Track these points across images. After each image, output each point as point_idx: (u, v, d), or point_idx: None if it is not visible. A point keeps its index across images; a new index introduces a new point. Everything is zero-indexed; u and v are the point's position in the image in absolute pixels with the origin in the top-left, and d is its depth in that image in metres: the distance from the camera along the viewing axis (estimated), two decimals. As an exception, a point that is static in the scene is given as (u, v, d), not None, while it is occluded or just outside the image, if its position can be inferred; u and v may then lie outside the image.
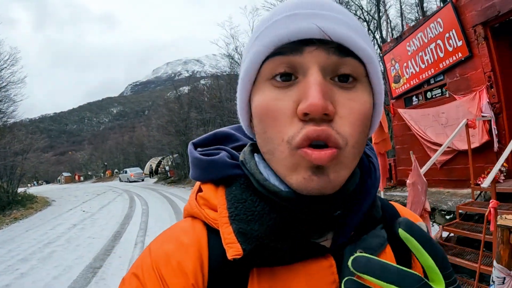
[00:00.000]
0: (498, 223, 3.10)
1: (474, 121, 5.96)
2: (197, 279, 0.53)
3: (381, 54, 10.19)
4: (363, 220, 0.60)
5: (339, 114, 0.49)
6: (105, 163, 67.10)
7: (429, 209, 4.66)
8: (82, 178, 69.27)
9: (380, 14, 19.21)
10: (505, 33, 6.56)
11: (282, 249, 0.52)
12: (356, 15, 20.48)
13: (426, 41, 7.83)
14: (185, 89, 41.48)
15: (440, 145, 6.67)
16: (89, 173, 71.39)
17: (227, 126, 0.76)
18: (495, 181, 4.76)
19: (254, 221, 0.53)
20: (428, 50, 7.83)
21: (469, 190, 6.26)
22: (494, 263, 3.17)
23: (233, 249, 0.51)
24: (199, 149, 0.66)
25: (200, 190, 0.63)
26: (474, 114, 6.52)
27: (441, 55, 7.46)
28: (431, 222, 6.47)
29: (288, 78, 0.50)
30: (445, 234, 5.49)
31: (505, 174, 6.07)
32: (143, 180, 40.87)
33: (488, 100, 6.47)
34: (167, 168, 37.84)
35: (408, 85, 8.61)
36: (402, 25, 20.60)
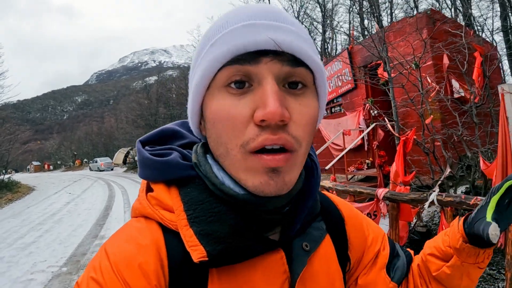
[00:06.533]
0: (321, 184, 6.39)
1: (349, 131, 9.44)
2: (159, 280, 0.54)
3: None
4: (307, 215, 0.65)
5: (292, 119, 0.52)
6: (75, 153, 67.37)
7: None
8: (51, 167, 68.97)
9: (326, 31, 22.46)
10: (376, 74, 10.02)
11: (242, 247, 0.55)
12: (309, 29, 23.65)
13: (332, 73, 11.33)
14: (152, 79, 42.71)
15: (337, 145, 10.21)
16: (58, 162, 71.22)
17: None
18: (334, 166, 8.11)
19: (214, 222, 0.54)
20: (333, 80, 11.34)
21: (348, 175, 9.79)
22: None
23: (197, 252, 0.52)
24: (147, 147, 0.66)
25: (149, 189, 0.64)
26: (354, 126, 9.99)
27: (339, 84, 10.99)
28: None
29: (242, 85, 0.53)
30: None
31: (369, 165, 9.58)
32: (112, 169, 42.14)
33: (363, 117, 9.94)
34: (136, 158, 39.50)
35: (321, 102, 12.05)
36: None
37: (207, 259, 0.51)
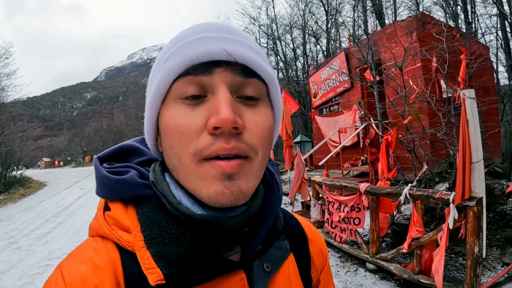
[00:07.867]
0: (311, 179, 6.86)
1: (345, 129, 9.92)
2: None
3: (308, 75, 14.13)
4: (269, 234, 0.64)
5: (247, 128, 0.52)
6: (84, 149, 68.21)
7: (306, 177, 8.36)
8: (61, 163, 69.83)
9: (331, 31, 22.82)
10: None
11: (200, 268, 0.53)
12: (313, 28, 24.01)
13: (330, 73, 11.80)
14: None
15: (335, 142, 10.69)
16: (68, 158, 72.09)
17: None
18: (326, 163, 8.58)
19: (170, 244, 0.53)
20: (331, 79, 11.81)
21: (344, 170, 10.26)
22: (311, 197, 6.93)
23: (154, 275, 0.51)
24: (105, 164, 0.64)
25: (107, 207, 0.61)
26: (351, 124, 10.46)
27: (337, 83, 11.43)
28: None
29: (197, 96, 0.53)
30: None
31: (363, 161, 10.05)
32: (121, 165, 42.76)
33: (359, 115, 10.39)
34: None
35: (320, 101, 12.65)
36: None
37: (164, 282, 0.51)
